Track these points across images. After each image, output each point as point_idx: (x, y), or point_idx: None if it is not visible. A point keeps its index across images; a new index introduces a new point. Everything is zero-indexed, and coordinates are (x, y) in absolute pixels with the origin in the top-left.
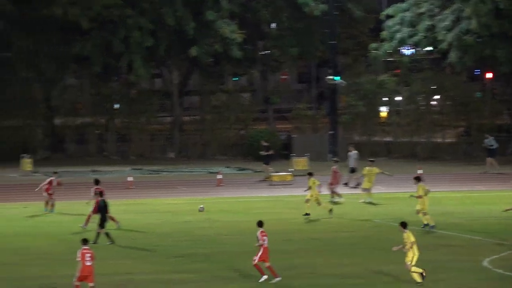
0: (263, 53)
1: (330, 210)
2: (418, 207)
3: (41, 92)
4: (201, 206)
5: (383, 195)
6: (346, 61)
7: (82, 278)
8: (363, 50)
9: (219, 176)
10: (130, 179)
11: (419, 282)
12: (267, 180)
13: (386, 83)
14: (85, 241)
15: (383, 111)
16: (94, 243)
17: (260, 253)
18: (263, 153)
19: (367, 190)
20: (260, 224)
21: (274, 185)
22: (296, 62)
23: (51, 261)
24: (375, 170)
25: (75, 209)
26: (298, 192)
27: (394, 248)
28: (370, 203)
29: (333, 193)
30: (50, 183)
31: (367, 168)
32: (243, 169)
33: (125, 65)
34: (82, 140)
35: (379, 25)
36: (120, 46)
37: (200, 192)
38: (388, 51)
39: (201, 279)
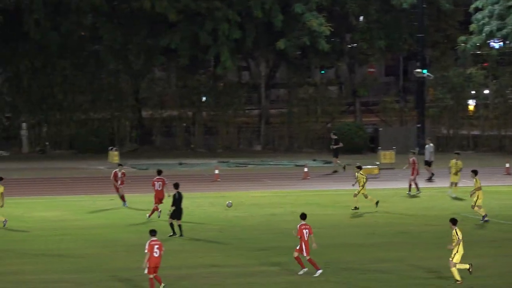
0: (350, 46)
1: (377, 203)
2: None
3: (129, 85)
4: (229, 202)
5: (471, 188)
6: (434, 54)
7: (152, 270)
8: (451, 43)
9: (306, 169)
10: (216, 171)
11: (458, 281)
12: (335, 173)
13: (474, 76)
14: (153, 232)
15: (471, 104)
16: (180, 235)
17: (299, 246)
18: (332, 146)
19: (454, 184)
20: (303, 216)
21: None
22: (384, 55)
23: (138, 253)
24: (460, 164)
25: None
26: (385, 185)
27: (449, 247)
28: (455, 198)
29: (415, 185)
30: (114, 175)
31: (453, 161)
32: (330, 162)
33: (212, 57)
34: (169, 133)
35: (468, 18)
36: (207, 39)
37: (286, 185)
38: (476, 44)
39: (285, 272)
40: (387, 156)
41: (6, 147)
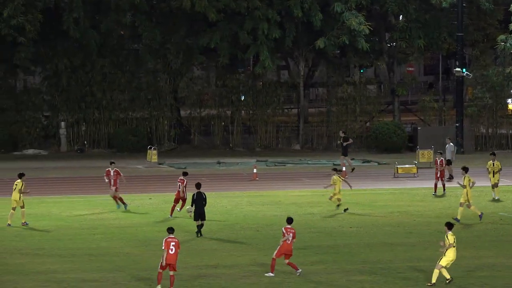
0: (389, 45)
1: (345, 210)
2: (462, 199)
3: (168, 84)
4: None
5: (509, 187)
6: (473, 53)
7: (165, 267)
8: (490, 42)
9: (344, 168)
10: (255, 170)
11: (431, 284)
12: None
13: None
14: (170, 230)
15: (510, 103)
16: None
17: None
18: (340, 142)
19: (494, 186)
20: (289, 220)
21: (398, 177)
22: (423, 54)
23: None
24: (498, 164)
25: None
26: (423, 185)
27: (441, 243)
28: (494, 199)
29: (442, 185)
30: (107, 173)
31: (490, 162)
32: (368, 161)
33: (251, 56)
34: (208, 132)
35: (508, 17)
36: (247, 38)
37: (325, 184)
38: None
39: (324, 271)
40: (425, 155)
41: (44, 146)
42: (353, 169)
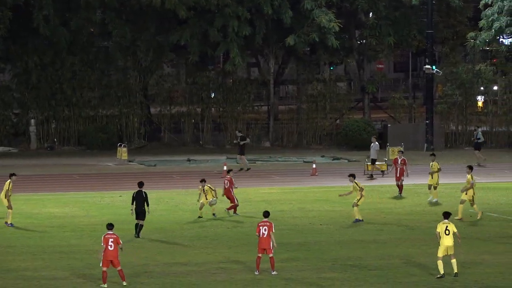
0: (359, 42)
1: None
2: (464, 197)
3: (138, 81)
4: (213, 199)
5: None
6: (443, 50)
7: (107, 264)
8: (460, 39)
9: (314, 165)
10: (225, 168)
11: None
12: (241, 171)
13: (483, 72)
14: (110, 226)
15: (480, 100)
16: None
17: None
18: (236, 141)
19: (432, 187)
20: (265, 214)
21: (367, 174)
22: (393, 51)
23: (145, 250)
24: (436, 165)
25: (174, 198)
26: (393, 182)
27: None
28: (435, 203)
29: (400, 186)
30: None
31: (431, 163)
32: (338, 159)
33: (221, 54)
34: (178, 129)
35: (477, 14)
36: (217, 35)
37: (295, 182)
38: (486, 41)
39: (295, 268)
40: (395, 152)
41: (14, 143)
42: (248, 169)
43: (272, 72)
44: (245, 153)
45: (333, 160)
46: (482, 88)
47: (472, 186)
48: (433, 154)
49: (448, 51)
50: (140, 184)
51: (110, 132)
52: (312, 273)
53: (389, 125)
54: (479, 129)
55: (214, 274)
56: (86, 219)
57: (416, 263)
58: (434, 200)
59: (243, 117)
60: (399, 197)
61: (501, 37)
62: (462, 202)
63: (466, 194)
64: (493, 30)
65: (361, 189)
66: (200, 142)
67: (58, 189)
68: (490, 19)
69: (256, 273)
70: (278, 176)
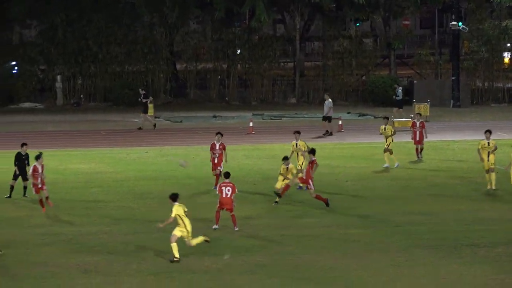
0: None
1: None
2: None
3: (164, 38)
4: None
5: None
6: (469, 7)
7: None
8: None
9: (340, 122)
10: (251, 124)
11: None
12: (140, 130)
13: (509, 28)
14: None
15: (506, 57)
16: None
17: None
18: (140, 99)
19: (388, 151)
20: (225, 175)
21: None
22: (419, 8)
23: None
24: (390, 128)
25: (199, 154)
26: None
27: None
28: (386, 168)
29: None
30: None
31: (382, 126)
32: (364, 115)
33: (247, 10)
34: (203, 86)
35: None
36: None
37: (321, 138)
38: None
39: (320, 224)
40: (421, 108)
41: (40, 99)
42: (154, 125)
43: (298, 28)
44: (147, 112)
45: (359, 116)
46: (508, 44)
47: None
48: (386, 117)
49: (474, 7)
50: (22, 145)
51: (136, 88)
52: (339, 228)
53: (415, 82)
54: (399, 87)
55: (239, 230)
56: (112, 175)
57: (440, 219)
58: (385, 166)
59: (269, 74)
60: (418, 161)
61: None
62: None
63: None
64: None
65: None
66: (226, 99)
67: (84, 145)
68: None
69: (216, 226)
70: (303, 132)
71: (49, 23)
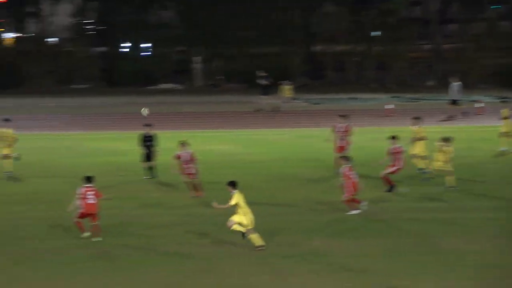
0: None
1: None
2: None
3: (300, 19)
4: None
5: None
6: None
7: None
8: None
9: (481, 104)
10: (388, 106)
11: None
12: (260, 111)
13: None
14: (88, 179)
15: None
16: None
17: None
18: (259, 81)
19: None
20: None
21: None
22: None
23: (311, 186)
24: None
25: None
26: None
27: None
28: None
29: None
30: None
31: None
32: (505, 98)
33: None
34: (340, 68)
35: None
36: None
37: (461, 120)
38: None
39: (460, 209)
40: None
41: (179, 80)
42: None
43: (434, 10)
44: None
45: (499, 99)
46: None
47: None
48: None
49: None
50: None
51: (271, 70)
52: (481, 213)
53: None
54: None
55: (374, 213)
56: (248, 156)
57: None
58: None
59: (406, 56)
60: None
61: None
62: None
63: None
64: None
65: None
66: (363, 81)
67: (221, 126)
68: None
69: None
70: (443, 114)
71: (186, 4)
